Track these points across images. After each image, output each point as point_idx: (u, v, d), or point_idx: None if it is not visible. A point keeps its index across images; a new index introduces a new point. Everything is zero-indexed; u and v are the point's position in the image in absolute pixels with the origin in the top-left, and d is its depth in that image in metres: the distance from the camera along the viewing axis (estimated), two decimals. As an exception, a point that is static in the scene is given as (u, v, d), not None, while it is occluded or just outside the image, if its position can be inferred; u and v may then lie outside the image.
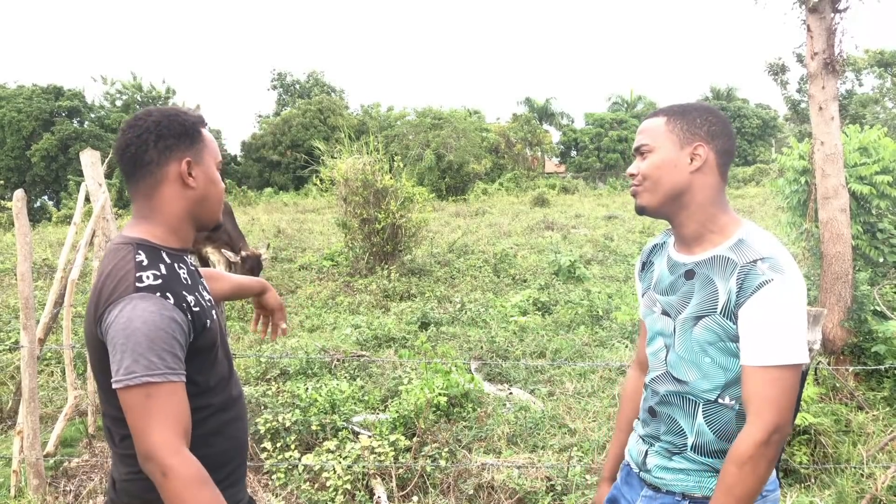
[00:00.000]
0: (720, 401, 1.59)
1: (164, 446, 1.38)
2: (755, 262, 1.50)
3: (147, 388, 1.38)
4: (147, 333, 1.39)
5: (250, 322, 7.79)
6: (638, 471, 1.78)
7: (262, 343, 6.88)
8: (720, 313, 1.55)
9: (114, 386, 1.40)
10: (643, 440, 1.79)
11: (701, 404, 1.62)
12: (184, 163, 1.56)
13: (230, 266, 8.54)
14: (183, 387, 1.44)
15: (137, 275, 1.44)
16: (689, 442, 1.65)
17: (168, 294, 1.45)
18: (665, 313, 1.70)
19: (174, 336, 1.43)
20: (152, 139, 1.54)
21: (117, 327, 1.40)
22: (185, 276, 1.57)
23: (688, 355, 1.63)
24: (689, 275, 1.64)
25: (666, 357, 1.70)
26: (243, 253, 8.66)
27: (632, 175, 1.70)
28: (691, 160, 1.61)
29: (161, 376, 1.39)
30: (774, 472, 1.69)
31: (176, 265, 1.55)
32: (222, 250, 8.67)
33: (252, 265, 8.59)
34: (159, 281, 1.46)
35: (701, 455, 1.63)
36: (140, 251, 1.50)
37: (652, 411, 1.75)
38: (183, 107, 1.80)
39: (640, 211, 1.70)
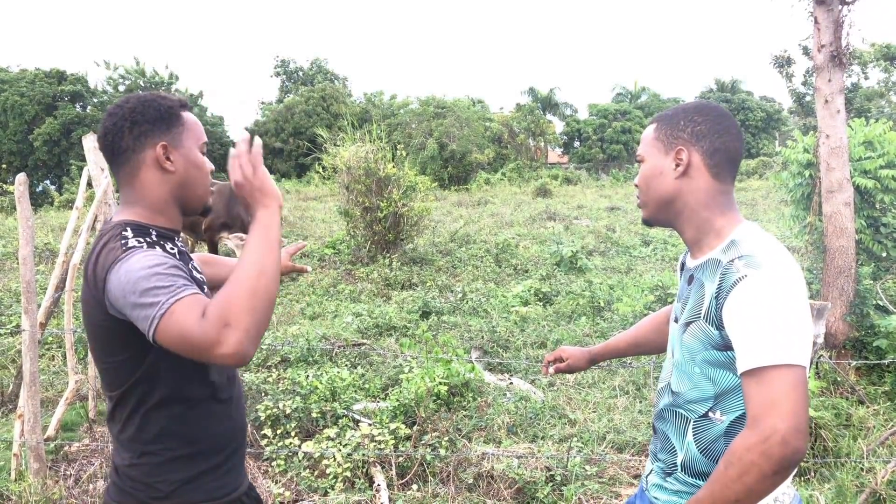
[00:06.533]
0: (710, 415, 1.50)
1: (209, 335, 1.29)
2: (733, 260, 1.42)
3: (176, 306, 1.32)
4: (148, 273, 1.35)
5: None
6: (646, 487, 1.71)
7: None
8: (703, 318, 1.47)
9: (153, 330, 1.33)
10: (651, 457, 1.72)
11: (692, 420, 1.54)
12: (159, 147, 1.54)
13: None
14: (200, 293, 1.38)
15: (124, 242, 1.44)
16: (679, 461, 1.57)
17: (157, 248, 1.46)
18: (675, 320, 1.65)
19: (174, 265, 1.40)
20: (127, 126, 1.53)
21: (123, 286, 1.36)
22: (175, 252, 1.56)
23: (681, 365, 1.57)
24: (690, 280, 1.59)
25: (668, 366, 1.66)
26: None
27: (636, 186, 1.68)
28: (676, 165, 1.56)
29: (184, 289, 1.35)
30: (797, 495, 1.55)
31: (164, 242, 1.55)
32: (237, 235, 8.80)
33: None
34: (147, 241, 1.47)
35: (690, 476, 1.55)
36: (128, 228, 1.50)
37: (654, 427, 1.70)
38: (169, 92, 1.79)
39: (645, 223, 1.70)
